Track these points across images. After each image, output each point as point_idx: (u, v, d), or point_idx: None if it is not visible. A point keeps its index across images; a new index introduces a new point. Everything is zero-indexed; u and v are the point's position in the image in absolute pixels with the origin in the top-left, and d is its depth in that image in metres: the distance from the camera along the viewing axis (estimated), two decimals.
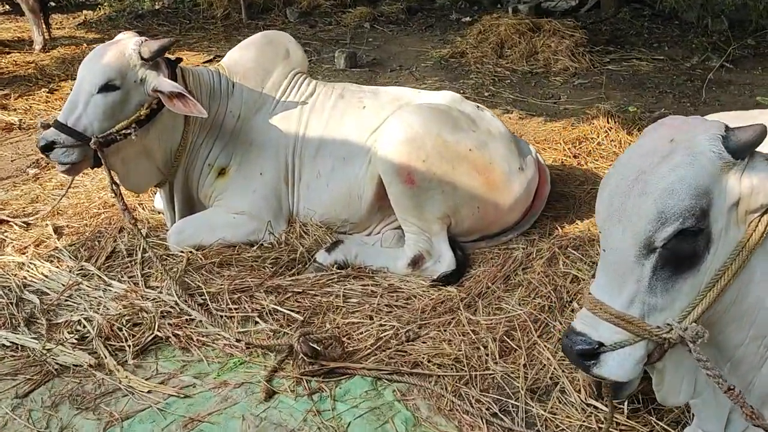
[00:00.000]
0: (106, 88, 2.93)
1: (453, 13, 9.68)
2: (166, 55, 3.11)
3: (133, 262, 3.26)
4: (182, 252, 3.24)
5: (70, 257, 3.34)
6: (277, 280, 2.99)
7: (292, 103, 3.41)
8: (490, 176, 3.13)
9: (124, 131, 2.97)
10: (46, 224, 3.70)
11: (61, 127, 2.90)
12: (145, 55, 2.98)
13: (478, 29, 7.79)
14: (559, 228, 3.45)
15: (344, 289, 2.92)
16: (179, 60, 3.21)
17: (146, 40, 3.02)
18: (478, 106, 3.44)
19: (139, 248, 3.32)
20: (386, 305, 2.83)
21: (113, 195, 3.00)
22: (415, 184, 3.04)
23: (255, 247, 3.23)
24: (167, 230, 3.48)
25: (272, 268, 3.11)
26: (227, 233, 3.27)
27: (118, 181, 3.06)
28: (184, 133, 3.22)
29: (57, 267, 3.26)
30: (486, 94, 6.02)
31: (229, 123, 3.33)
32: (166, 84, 2.99)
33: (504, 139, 3.24)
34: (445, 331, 2.65)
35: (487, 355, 2.49)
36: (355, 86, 3.56)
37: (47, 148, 2.90)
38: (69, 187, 3.62)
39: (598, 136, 4.44)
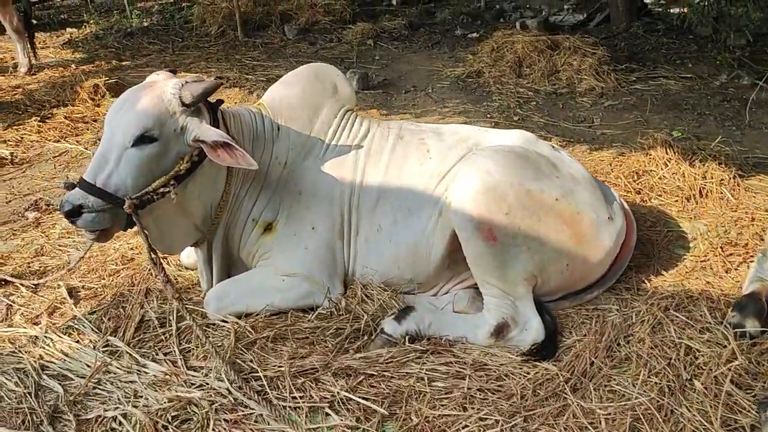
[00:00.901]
0: (143, 140, 2.49)
1: (457, 28, 9.34)
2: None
3: (167, 335, 2.81)
4: (224, 321, 2.81)
5: (92, 329, 2.88)
6: (344, 359, 2.56)
7: (345, 146, 2.99)
8: (579, 228, 2.74)
9: (162, 189, 2.53)
10: (58, 285, 3.24)
11: (88, 187, 2.45)
12: (186, 100, 2.55)
13: (491, 46, 7.46)
14: (646, 281, 3.08)
15: (425, 369, 2.50)
16: (220, 102, 2.78)
17: (186, 82, 2.59)
18: (553, 147, 3.05)
19: (172, 316, 2.88)
20: (478, 389, 2.42)
21: (152, 264, 2.54)
22: (498, 240, 2.64)
23: (312, 316, 2.80)
24: (201, 293, 3.05)
25: (334, 341, 2.68)
26: (276, 298, 2.84)
27: (155, 247, 2.60)
28: (226, 186, 2.79)
29: (78, 342, 2.80)
30: (515, 118, 5.66)
31: (274, 171, 2.90)
32: (211, 132, 2.56)
33: (589, 185, 2.86)
34: (556, 423, 2.24)
35: None
36: (413, 125, 3.15)
37: (73, 213, 2.45)
38: (89, 248, 3.14)
39: (657, 168, 4.08)
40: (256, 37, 9.13)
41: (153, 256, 2.52)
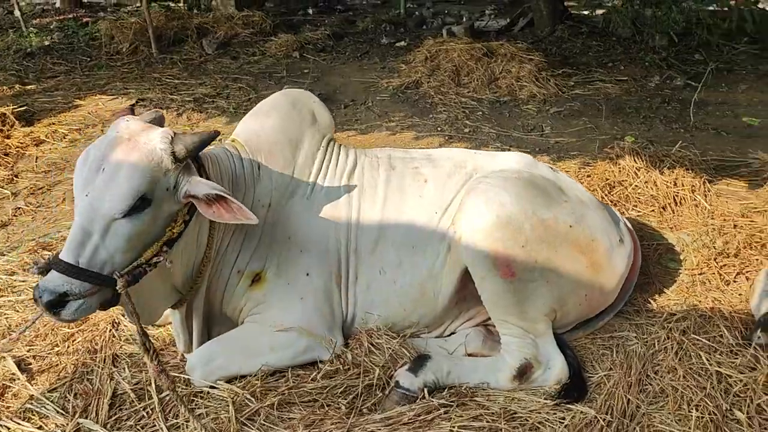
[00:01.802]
0: (134, 208, 2.10)
1: (383, 37, 9.17)
2: None
3: (148, 410, 2.44)
4: (213, 387, 2.47)
5: (56, 410, 2.46)
6: (364, 422, 2.28)
7: (335, 182, 2.70)
8: (594, 256, 2.58)
9: (154, 259, 2.16)
10: (2, 357, 2.78)
11: (70, 269, 2.02)
12: (180, 155, 2.18)
13: (424, 55, 7.34)
14: (651, 301, 2.98)
15: (456, 426, 2.26)
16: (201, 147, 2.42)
17: (176, 134, 2.22)
18: (552, 168, 2.89)
19: (151, 386, 2.51)
20: None
21: (144, 350, 2.13)
22: (516, 276, 2.44)
23: (317, 374, 2.50)
24: (177, 355, 2.69)
25: (346, 400, 2.40)
26: (273, 357, 2.52)
27: (143, 328, 2.18)
28: (209, 241, 2.44)
29: (42, 428, 2.38)
30: (466, 130, 5.51)
31: (258, 215, 2.56)
32: (203, 186, 2.21)
33: (597, 208, 2.72)
34: None
35: None
36: (401, 152, 2.90)
37: (57, 303, 2.01)
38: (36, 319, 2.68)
39: (629, 177, 4.02)
40: (173, 52, 8.60)
41: (146, 341, 2.14)
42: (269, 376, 2.53)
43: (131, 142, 2.13)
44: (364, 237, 2.64)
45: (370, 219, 2.65)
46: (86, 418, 2.42)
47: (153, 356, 2.12)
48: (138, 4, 11.99)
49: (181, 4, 11.18)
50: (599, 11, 8.70)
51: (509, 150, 4.86)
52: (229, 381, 2.51)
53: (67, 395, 2.54)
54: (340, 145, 2.85)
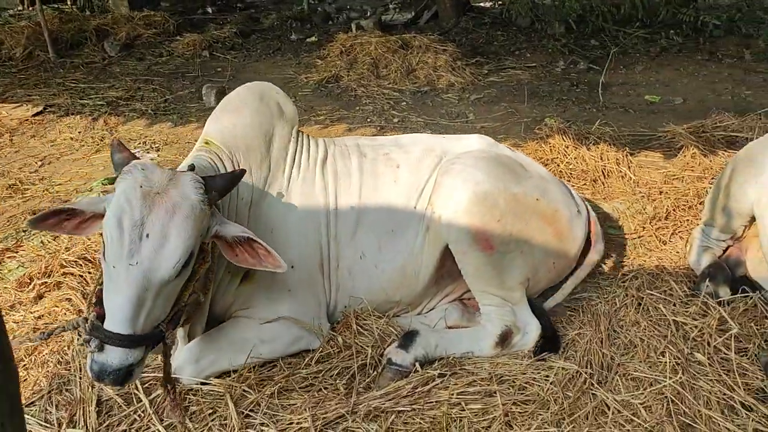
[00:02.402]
0: (183, 264, 2.07)
1: (291, 33, 9.15)
2: None
3: (140, 412, 2.40)
4: (206, 383, 2.46)
5: (40, 424, 2.38)
6: (366, 400, 2.36)
7: (310, 172, 2.74)
8: (558, 226, 2.78)
9: (191, 298, 2.18)
10: None
11: (131, 342, 1.98)
12: (214, 201, 2.17)
13: (339, 49, 7.42)
14: (603, 265, 3.21)
15: (455, 393, 2.38)
16: (193, 167, 2.33)
17: (203, 179, 2.17)
18: (510, 148, 3.07)
19: (137, 387, 2.47)
20: (513, 404, 2.35)
21: (167, 389, 2.14)
22: (495, 249, 2.59)
23: (311, 359, 2.54)
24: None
25: (344, 381, 2.46)
26: (263, 350, 2.54)
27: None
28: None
29: None
30: (395, 120, 5.65)
31: (241, 212, 2.56)
32: (233, 228, 2.21)
33: (556, 182, 2.92)
34: (604, 422, 2.25)
35: None
36: (368, 139, 2.98)
37: (125, 376, 1.99)
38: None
39: (560, 155, 4.29)
40: (72, 56, 8.20)
41: (169, 383, 2.14)
42: (261, 368, 2.55)
43: (168, 199, 2.06)
44: (343, 224, 2.70)
45: (348, 206, 2.72)
46: (74, 427, 2.35)
47: (173, 392, 2.12)
48: (20, 8, 11.33)
49: (69, 5, 10.67)
50: (499, 2, 9.07)
51: None
52: (220, 377, 2.51)
53: (47, 407, 2.46)
54: (307, 135, 2.89)
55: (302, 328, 2.60)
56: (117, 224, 2.02)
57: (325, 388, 2.45)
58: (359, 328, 2.65)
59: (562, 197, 2.85)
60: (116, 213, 2.03)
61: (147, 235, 2.02)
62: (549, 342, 2.65)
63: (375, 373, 2.53)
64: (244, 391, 2.41)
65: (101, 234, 2.09)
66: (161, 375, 2.23)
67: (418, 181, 2.77)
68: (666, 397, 2.34)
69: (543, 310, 2.80)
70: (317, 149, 2.83)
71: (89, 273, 3.17)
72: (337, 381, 2.47)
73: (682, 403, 2.31)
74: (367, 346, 2.58)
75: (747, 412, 2.26)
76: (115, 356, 1.97)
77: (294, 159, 2.75)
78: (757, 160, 2.77)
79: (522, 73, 6.86)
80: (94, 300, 2.17)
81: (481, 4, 10.21)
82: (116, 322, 1.98)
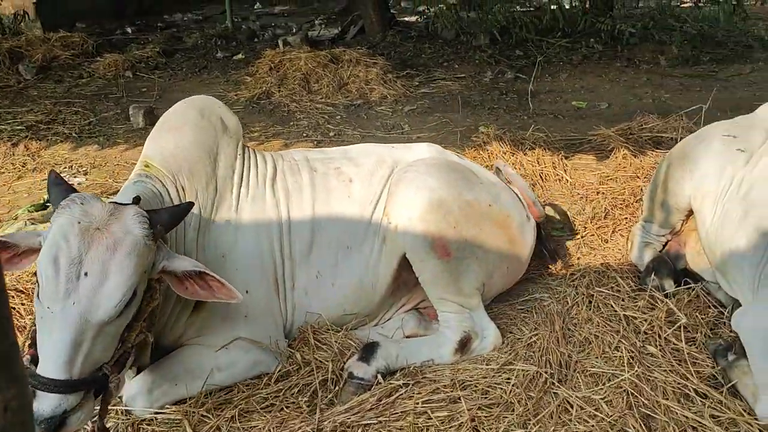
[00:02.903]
0: (125, 303, 1.95)
1: (217, 51, 9.02)
2: None
3: None
4: (160, 412, 2.35)
5: None
6: (330, 416, 2.30)
7: (258, 189, 2.67)
8: (510, 231, 2.81)
9: (138, 339, 2.05)
10: None
11: (65, 387, 1.83)
12: (159, 235, 2.05)
13: (268, 66, 7.36)
14: (551, 266, 3.27)
15: (420, 402, 2.36)
16: (138, 199, 2.19)
17: (146, 212, 2.05)
18: (458, 155, 3.09)
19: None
20: (478, 409, 2.34)
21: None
22: (451, 255, 2.60)
23: (270, 379, 2.46)
24: None
25: (306, 399, 2.40)
26: (221, 377, 2.43)
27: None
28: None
29: None
30: (331, 134, 5.62)
31: (189, 240, 2.44)
32: (183, 262, 2.09)
33: (505, 188, 2.95)
34: (569, 420, 2.27)
35: None
36: (316, 152, 2.94)
37: (59, 424, 1.83)
38: None
39: (499, 161, 4.35)
40: None
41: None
42: (220, 391, 2.46)
43: (109, 235, 1.94)
44: (298, 242, 2.64)
45: (302, 224, 2.66)
46: None
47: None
48: None
49: None
50: (424, 16, 9.23)
51: None
52: (176, 403, 2.40)
53: None
54: (253, 150, 2.83)
55: (260, 350, 2.51)
56: (52, 262, 1.88)
57: (287, 407, 2.37)
58: (317, 342, 2.59)
59: (513, 202, 2.88)
60: (51, 251, 1.90)
61: (85, 274, 1.89)
62: None
63: (337, 388, 2.48)
64: (202, 416, 2.31)
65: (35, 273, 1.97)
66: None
67: (372, 194, 2.74)
68: (625, 390, 2.38)
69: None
70: (265, 165, 2.76)
71: (22, 305, 2.98)
72: (299, 399, 2.40)
73: (640, 395, 2.36)
74: (327, 361, 2.52)
75: (702, 400, 2.33)
76: (47, 404, 1.80)
77: (242, 177, 2.67)
78: (691, 156, 2.89)
79: (452, 84, 6.97)
80: (29, 341, 2.04)
81: (406, 18, 10.36)
82: (49, 367, 1.83)
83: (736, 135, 2.81)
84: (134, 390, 2.36)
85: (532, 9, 8.25)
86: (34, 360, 1.90)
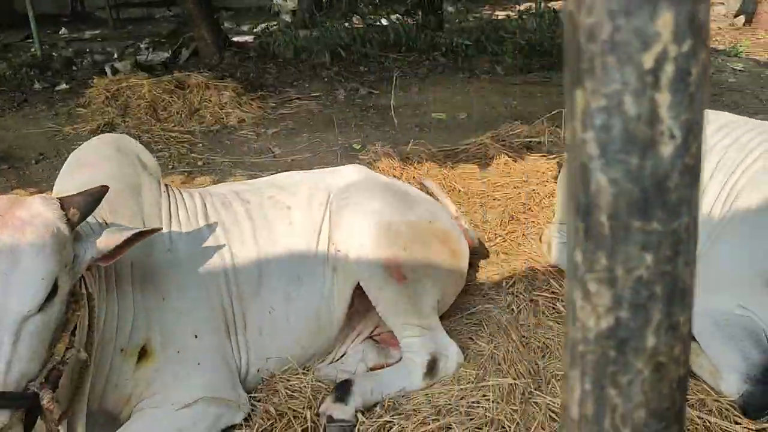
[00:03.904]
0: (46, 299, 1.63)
1: (35, 82, 8.12)
2: None
3: None
4: None
5: None
6: None
7: (191, 226, 2.41)
8: (451, 245, 2.79)
9: (67, 354, 1.69)
10: None
11: None
12: (75, 220, 1.76)
13: (104, 95, 6.78)
14: (473, 276, 3.30)
15: None
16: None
17: (58, 198, 1.75)
18: (384, 176, 3.02)
19: None
20: (473, 429, 2.28)
21: None
22: (408, 278, 2.52)
23: None
24: None
25: None
26: None
27: None
28: (91, 314, 1.96)
29: None
30: (199, 163, 5.27)
31: (123, 280, 2.16)
32: (113, 237, 1.87)
33: (436, 203, 2.94)
34: (557, 428, 2.29)
35: None
36: (241, 185, 2.73)
37: None
38: None
39: (396, 178, 4.35)
40: None
41: None
42: None
43: (14, 219, 1.63)
44: (244, 279, 2.42)
45: (246, 258, 2.44)
46: None
47: None
48: None
49: None
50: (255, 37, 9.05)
51: (259, 176, 4.81)
52: None
53: None
54: (175, 187, 2.55)
55: (222, 404, 2.26)
56: None
57: None
58: (288, 390, 2.38)
59: (446, 217, 2.88)
60: None
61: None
62: None
63: None
64: None
65: None
66: None
67: (313, 221, 2.59)
68: None
69: None
70: (193, 201, 2.51)
71: None
72: None
73: None
74: (304, 409, 2.32)
75: None
76: None
77: (170, 214, 2.40)
78: None
79: (309, 103, 6.87)
80: None
81: (237, 39, 10.08)
82: None
83: None
84: None
85: (372, 26, 8.40)
86: None
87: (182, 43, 9.09)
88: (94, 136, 5.93)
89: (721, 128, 2.93)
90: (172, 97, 6.55)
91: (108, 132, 6.05)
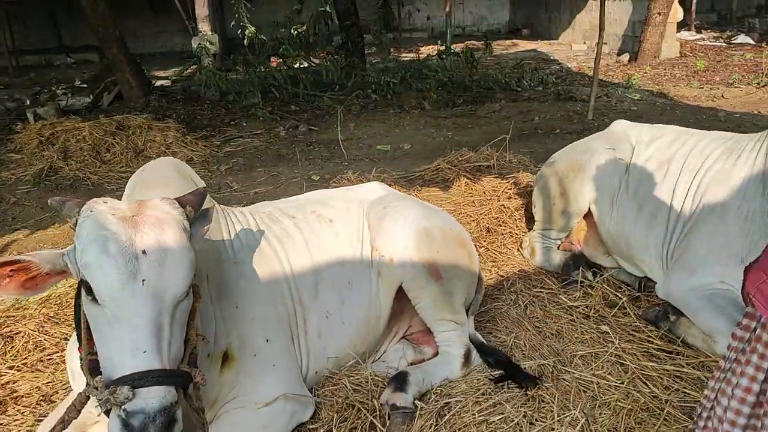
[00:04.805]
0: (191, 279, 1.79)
1: None
2: None
3: None
4: None
5: None
6: None
7: (250, 239, 2.57)
8: (468, 247, 3.08)
9: (197, 338, 1.89)
10: None
11: (167, 376, 1.62)
12: (192, 216, 1.95)
13: (38, 140, 6.65)
14: None
15: (477, 416, 2.48)
16: None
17: (170, 198, 1.92)
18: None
19: None
20: (529, 423, 2.52)
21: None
22: (443, 278, 2.78)
23: (320, 428, 2.36)
24: None
25: None
26: None
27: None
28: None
29: None
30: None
31: (203, 289, 2.29)
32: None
33: (444, 212, 3.24)
34: (595, 396, 2.60)
35: None
36: (280, 203, 2.92)
37: (172, 424, 1.59)
38: None
39: None
40: None
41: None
42: None
43: (149, 217, 1.79)
44: (303, 286, 2.60)
45: (303, 267, 2.62)
46: None
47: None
48: None
49: None
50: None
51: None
52: None
53: None
54: (222, 206, 2.70)
55: (296, 401, 2.41)
56: (103, 252, 1.71)
57: None
58: (352, 385, 2.56)
59: (459, 224, 3.18)
60: (98, 244, 1.72)
61: (143, 252, 1.74)
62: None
63: (377, 421, 2.48)
64: None
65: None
66: None
67: (354, 230, 2.82)
68: (613, 363, 2.81)
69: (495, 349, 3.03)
70: (245, 217, 2.68)
71: None
72: None
73: (626, 363, 2.80)
74: (371, 399, 2.51)
75: (668, 355, 2.84)
76: (155, 396, 1.60)
77: (229, 230, 2.56)
78: (585, 168, 3.48)
79: (252, 141, 7.03)
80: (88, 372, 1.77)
81: (158, 83, 10.05)
82: (137, 360, 1.64)
83: (614, 147, 3.49)
84: None
85: (303, 67, 8.69)
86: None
87: (104, 87, 8.97)
88: (39, 179, 5.86)
89: (675, 140, 3.43)
90: (114, 138, 6.53)
91: (51, 176, 5.97)
